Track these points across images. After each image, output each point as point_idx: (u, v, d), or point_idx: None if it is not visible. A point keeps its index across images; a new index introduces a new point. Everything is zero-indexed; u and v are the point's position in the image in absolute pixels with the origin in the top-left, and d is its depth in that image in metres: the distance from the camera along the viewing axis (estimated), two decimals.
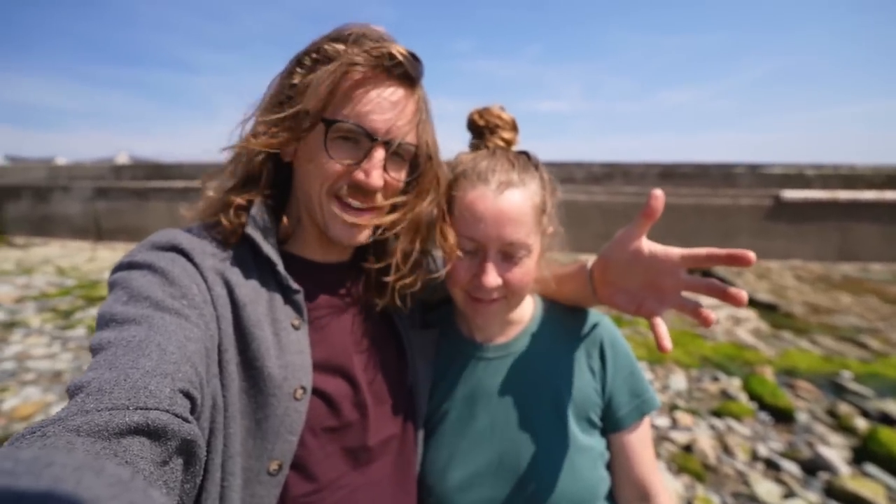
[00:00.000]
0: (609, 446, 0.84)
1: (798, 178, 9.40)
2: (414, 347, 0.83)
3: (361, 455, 0.71)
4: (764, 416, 3.17)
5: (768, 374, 3.77)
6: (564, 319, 0.89)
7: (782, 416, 3.13)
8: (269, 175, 0.70)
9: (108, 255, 9.74)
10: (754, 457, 2.71)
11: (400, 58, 0.64)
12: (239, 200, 0.68)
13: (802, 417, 3.13)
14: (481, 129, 0.86)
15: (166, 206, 11.17)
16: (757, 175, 9.56)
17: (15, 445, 0.34)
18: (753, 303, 6.07)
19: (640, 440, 0.83)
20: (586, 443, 0.80)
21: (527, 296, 0.88)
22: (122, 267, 0.59)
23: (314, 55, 0.66)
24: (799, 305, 6.01)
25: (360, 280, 0.81)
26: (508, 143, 0.87)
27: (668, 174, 9.83)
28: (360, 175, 0.65)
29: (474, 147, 0.88)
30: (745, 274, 7.78)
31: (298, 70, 0.66)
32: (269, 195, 0.72)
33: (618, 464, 0.83)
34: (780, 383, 3.63)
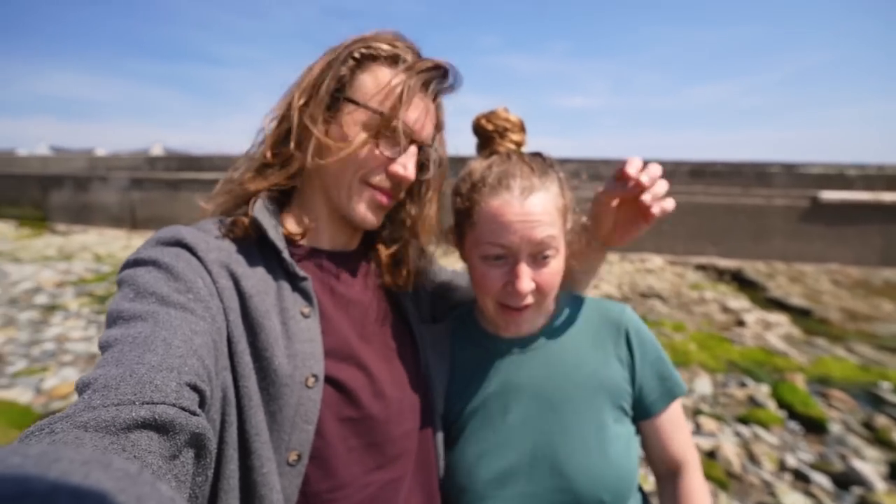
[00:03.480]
0: (640, 432, 0.84)
1: (838, 178, 8.94)
2: (425, 339, 0.82)
3: (386, 450, 0.70)
4: (793, 425, 3.04)
5: (799, 381, 3.61)
6: (587, 310, 0.88)
7: (813, 426, 3.00)
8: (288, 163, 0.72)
9: (142, 243, 10.11)
10: (782, 467, 2.61)
11: (445, 73, 0.73)
12: (259, 186, 0.70)
13: (835, 428, 2.99)
14: (490, 134, 0.83)
15: (197, 197, 11.51)
16: (793, 175, 9.13)
17: (23, 442, 0.34)
18: (785, 307, 5.83)
19: (671, 423, 0.83)
20: (618, 431, 0.79)
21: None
22: (128, 265, 0.59)
23: (364, 50, 0.69)
24: (835, 311, 5.73)
25: (370, 268, 0.81)
26: (518, 145, 0.84)
27: (699, 172, 9.50)
28: (398, 168, 0.71)
29: (486, 153, 0.84)
30: (778, 277, 7.48)
31: (350, 60, 0.69)
32: (277, 186, 0.73)
33: (650, 447, 0.84)
34: (812, 392, 3.47)
